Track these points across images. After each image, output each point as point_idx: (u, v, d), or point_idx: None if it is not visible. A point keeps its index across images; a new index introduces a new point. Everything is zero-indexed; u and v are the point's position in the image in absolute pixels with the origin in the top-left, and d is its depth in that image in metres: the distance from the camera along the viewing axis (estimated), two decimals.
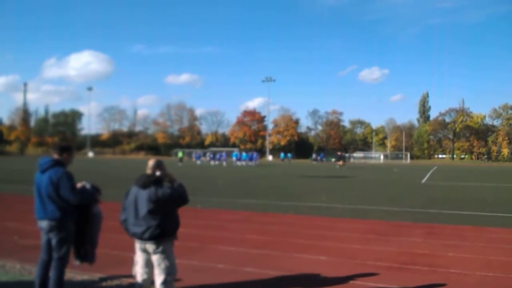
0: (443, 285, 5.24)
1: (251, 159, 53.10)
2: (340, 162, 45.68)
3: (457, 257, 6.67)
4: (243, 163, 51.72)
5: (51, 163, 4.54)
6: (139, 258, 4.15)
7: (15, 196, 14.51)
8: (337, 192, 17.42)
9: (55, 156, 4.62)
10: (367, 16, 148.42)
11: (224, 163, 51.48)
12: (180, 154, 53.82)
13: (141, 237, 4.00)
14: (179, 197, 4.12)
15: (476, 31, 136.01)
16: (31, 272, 5.55)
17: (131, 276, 4.32)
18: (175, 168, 36.16)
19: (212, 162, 53.92)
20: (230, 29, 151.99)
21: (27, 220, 9.57)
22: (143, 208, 3.98)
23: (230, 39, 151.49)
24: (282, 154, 73.31)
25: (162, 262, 4.04)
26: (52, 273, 4.51)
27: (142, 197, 4.01)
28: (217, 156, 55.31)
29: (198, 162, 55.35)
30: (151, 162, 4.23)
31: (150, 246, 4.02)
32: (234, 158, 54.92)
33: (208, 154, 62.30)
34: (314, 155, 70.92)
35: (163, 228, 4.03)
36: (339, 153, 56.96)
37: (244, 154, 55.44)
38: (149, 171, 4.16)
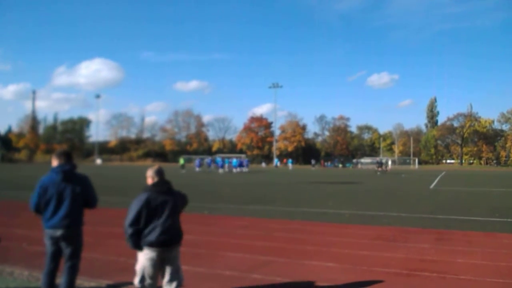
0: None
1: (241, 165, 50.03)
2: (383, 168, 46.87)
3: (466, 263, 6.60)
4: (236, 169, 48.29)
5: (73, 170, 4.58)
6: (149, 268, 4.04)
7: (23, 203, 14.56)
8: (345, 198, 17.34)
9: (63, 162, 4.59)
10: (376, 22, 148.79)
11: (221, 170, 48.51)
12: (181, 161, 51.75)
13: (166, 244, 4.03)
14: (187, 200, 4.41)
15: (484, 36, 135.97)
16: (39, 279, 5.56)
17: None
18: (179, 175, 36.18)
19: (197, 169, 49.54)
20: (238, 35, 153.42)
21: (36, 227, 9.60)
22: (172, 215, 4.08)
23: (238, 46, 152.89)
24: (276, 160, 73.06)
25: (175, 268, 4.14)
26: (63, 280, 4.53)
27: (171, 203, 4.09)
28: (197, 162, 52.22)
29: (210, 169, 51.91)
30: (154, 169, 4.24)
31: (169, 253, 4.08)
32: (221, 164, 51.00)
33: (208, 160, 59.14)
34: (313, 161, 70.81)
35: (180, 233, 4.25)
36: (378, 159, 57.47)
37: (234, 160, 51.54)
38: (158, 178, 4.17)
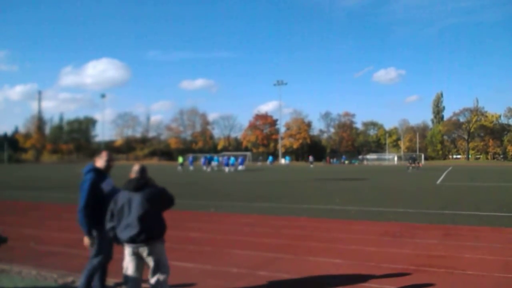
0: (460, 287, 5.16)
1: (234, 163, 47.96)
2: (417, 164, 46.97)
3: (474, 258, 6.57)
4: (231, 168, 45.85)
5: (87, 170, 4.70)
6: (129, 263, 4.17)
7: (31, 203, 14.68)
8: (351, 194, 17.29)
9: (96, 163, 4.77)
10: (383, 17, 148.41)
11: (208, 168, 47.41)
12: (180, 160, 50.52)
13: (135, 240, 4.04)
14: (169, 198, 4.31)
15: (490, 31, 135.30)
16: (47, 278, 5.62)
17: (145, 281, 4.32)
18: (177, 173, 36.13)
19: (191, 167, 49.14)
20: (243, 33, 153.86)
21: (43, 227, 9.66)
22: (138, 211, 4.03)
23: (244, 43, 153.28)
24: (270, 157, 72.37)
25: (156, 264, 4.15)
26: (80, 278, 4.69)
27: (137, 200, 4.06)
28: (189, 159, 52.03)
29: (205, 167, 49.80)
30: (136, 167, 4.29)
31: (143, 249, 4.09)
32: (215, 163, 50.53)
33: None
34: (311, 158, 70.20)
35: (155, 230, 4.15)
36: (413, 155, 57.41)
37: (232, 158, 49.23)
38: (134, 175, 4.22)
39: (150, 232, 4.07)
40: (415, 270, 5.89)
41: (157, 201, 4.18)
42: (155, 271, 4.15)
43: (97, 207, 4.54)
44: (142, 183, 4.16)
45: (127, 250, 4.15)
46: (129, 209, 4.07)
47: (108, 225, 4.18)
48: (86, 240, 4.58)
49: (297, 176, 33.86)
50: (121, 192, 4.20)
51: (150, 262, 4.13)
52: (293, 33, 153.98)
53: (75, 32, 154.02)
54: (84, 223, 4.53)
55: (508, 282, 5.40)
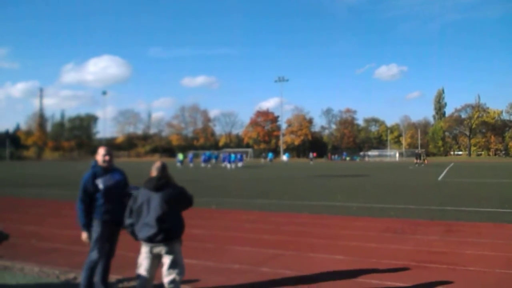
0: (462, 283, 5.16)
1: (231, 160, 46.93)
2: (423, 160, 47.99)
3: (475, 254, 6.56)
4: (233, 165, 45.47)
5: (90, 166, 4.75)
6: (143, 261, 4.18)
7: (32, 200, 14.70)
8: (352, 191, 17.28)
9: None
10: (385, 13, 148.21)
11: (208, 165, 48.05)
12: (180, 157, 50.83)
13: (153, 240, 4.05)
14: (188, 198, 4.30)
15: (492, 26, 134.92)
16: (49, 274, 5.63)
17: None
18: (178, 170, 36.15)
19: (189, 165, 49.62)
20: (245, 29, 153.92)
21: (45, 224, 9.68)
22: (157, 211, 4.04)
23: (245, 40, 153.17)
24: (270, 154, 71.90)
25: (172, 263, 4.13)
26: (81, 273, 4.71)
27: (156, 200, 4.07)
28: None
29: (204, 164, 50.42)
30: (157, 164, 4.27)
31: (161, 248, 4.09)
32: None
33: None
34: (311, 154, 69.96)
35: (173, 230, 4.14)
36: (418, 151, 57.45)
37: (233, 155, 48.18)
38: (156, 173, 4.21)
39: (168, 232, 4.08)
40: (416, 266, 5.90)
41: (176, 202, 4.18)
42: (171, 270, 4.14)
43: (92, 202, 4.60)
44: (162, 183, 4.16)
45: (144, 248, 4.16)
46: (148, 208, 4.07)
47: (127, 221, 4.21)
48: (84, 235, 4.62)
49: (298, 172, 33.85)
50: (141, 190, 4.21)
51: (166, 261, 4.13)
52: (295, 29, 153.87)
53: (76, 29, 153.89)
54: (78, 217, 4.61)
55: (510, 278, 5.40)
